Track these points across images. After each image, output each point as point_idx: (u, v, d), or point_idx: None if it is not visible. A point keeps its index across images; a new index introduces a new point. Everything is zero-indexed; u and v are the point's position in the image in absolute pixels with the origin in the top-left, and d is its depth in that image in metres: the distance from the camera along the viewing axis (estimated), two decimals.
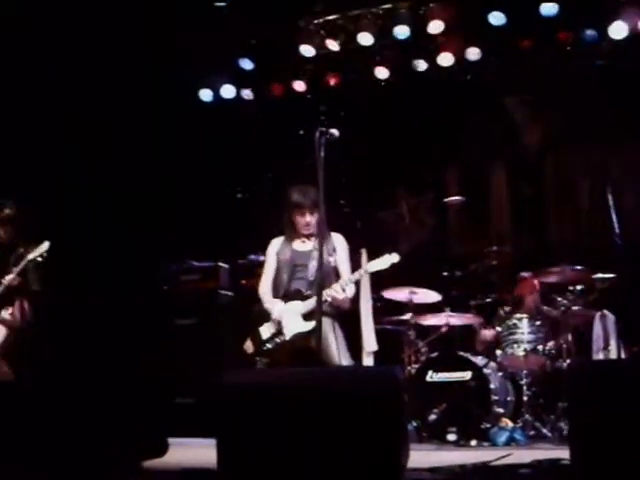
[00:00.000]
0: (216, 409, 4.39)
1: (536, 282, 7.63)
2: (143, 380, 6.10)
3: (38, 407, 4.95)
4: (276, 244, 6.38)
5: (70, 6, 7.65)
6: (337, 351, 5.99)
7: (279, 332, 6.05)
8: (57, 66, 7.86)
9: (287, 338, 6.01)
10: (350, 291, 6.08)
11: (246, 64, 9.32)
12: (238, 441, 4.24)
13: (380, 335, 7.80)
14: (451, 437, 6.81)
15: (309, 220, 6.16)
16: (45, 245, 7.08)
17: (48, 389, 5.19)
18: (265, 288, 6.33)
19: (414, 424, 6.94)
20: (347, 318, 6.43)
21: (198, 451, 5.83)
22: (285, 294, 6.18)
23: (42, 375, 6.11)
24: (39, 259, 7.07)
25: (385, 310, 8.00)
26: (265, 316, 6.24)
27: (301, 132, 8.97)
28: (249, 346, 6.16)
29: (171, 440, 5.74)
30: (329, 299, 5.91)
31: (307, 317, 5.61)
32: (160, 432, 5.76)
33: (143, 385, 5.98)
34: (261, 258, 7.70)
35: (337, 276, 6.16)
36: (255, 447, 4.18)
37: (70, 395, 5.21)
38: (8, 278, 7.10)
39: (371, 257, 6.39)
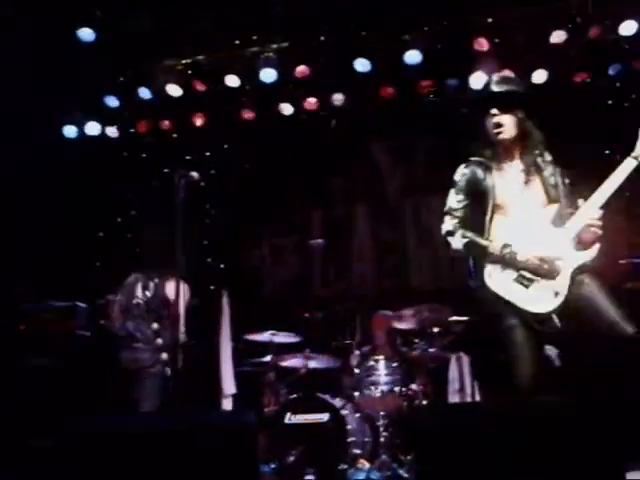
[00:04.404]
0: (71, 454, 4.30)
1: (390, 321, 7.75)
2: None
3: None
4: None
5: None
6: None
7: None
8: None
9: None
10: None
11: (112, 101, 9.24)
12: None
13: (241, 377, 7.80)
14: (309, 478, 6.81)
15: None
16: None
17: None
18: None
19: (272, 466, 6.92)
20: None
21: None
22: None
23: None
24: None
25: (246, 352, 8.00)
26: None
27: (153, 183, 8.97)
28: None
29: None
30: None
31: None
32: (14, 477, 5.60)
33: None
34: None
35: None
36: None
37: None
38: None
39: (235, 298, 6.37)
